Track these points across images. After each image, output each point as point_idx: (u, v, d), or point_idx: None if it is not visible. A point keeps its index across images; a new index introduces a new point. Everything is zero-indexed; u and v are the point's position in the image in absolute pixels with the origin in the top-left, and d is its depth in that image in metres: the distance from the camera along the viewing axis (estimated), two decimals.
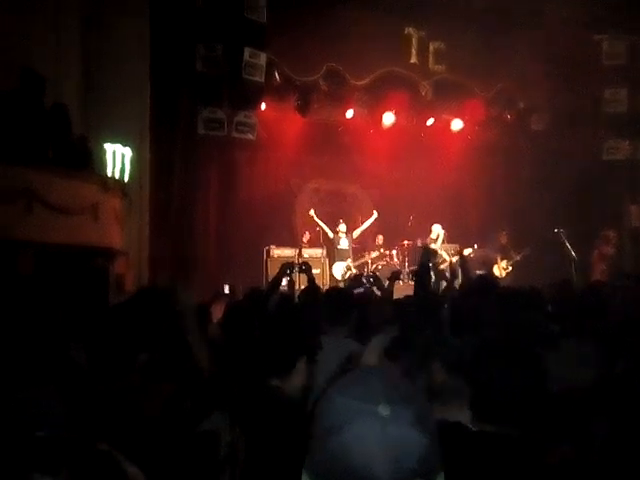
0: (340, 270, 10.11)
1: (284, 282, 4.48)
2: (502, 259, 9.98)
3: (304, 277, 4.44)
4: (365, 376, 0.87)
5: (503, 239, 10.10)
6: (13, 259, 5.12)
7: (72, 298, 5.41)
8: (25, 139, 5.16)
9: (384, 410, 0.79)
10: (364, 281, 4.49)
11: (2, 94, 5.20)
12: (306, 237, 10.35)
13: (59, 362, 2.89)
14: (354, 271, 9.85)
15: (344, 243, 10.20)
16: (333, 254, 10.10)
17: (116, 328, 2.82)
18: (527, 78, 9.88)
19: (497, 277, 9.22)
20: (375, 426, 0.78)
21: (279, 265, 8.69)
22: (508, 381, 1.49)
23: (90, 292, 5.57)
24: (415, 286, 3.71)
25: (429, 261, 3.88)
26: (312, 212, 10.12)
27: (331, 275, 10.10)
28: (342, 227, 10.17)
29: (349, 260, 10.17)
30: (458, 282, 4.97)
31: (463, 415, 1.55)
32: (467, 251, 10.08)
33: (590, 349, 2.40)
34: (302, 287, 4.64)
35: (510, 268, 9.89)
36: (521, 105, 10.74)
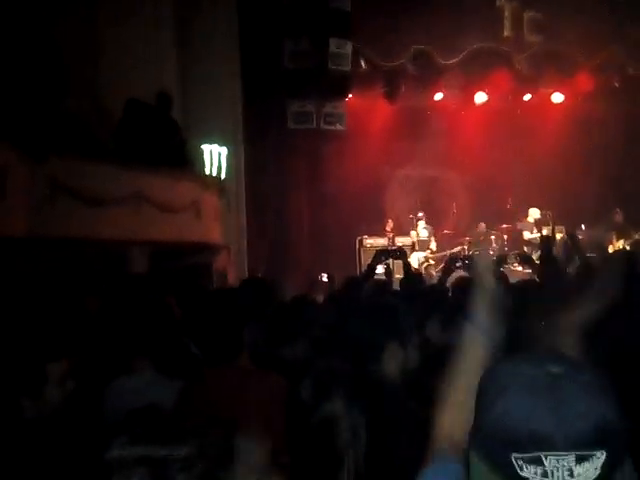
0: (416, 260, 9.88)
1: (381, 270, 4.40)
2: (618, 239, 9.22)
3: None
4: (530, 354, 0.81)
5: (618, 217, 9.33)
6: (126, 259, 5.48)
7: (181, 293, 5.69)
8: (147, 147, 5.49)
9: (554, 368, 0.72)
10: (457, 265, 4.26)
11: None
12: (389, 225, 10.19)
13: (177, 357, 3.03)
14: (432, 262, 9.60)
15: (423, 233, 9.98)
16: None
17: (222, 313, 2.90)
18: (634, 42, 9.03)
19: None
20: (546, 385, 0.71)
21: (372, 254, 8.64)
22: None
23: (197, 286, 5.83)
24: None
25: (551, 250, 3.65)
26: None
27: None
28: (421, 216, 10.02)
29: (428, 251, 9.92)
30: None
31: None
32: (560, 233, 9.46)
33: None
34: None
35: (627, 247, 9.12)
36: (630, 71, 9.83)
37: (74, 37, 5.51)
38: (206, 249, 6.72)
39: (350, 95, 9.86)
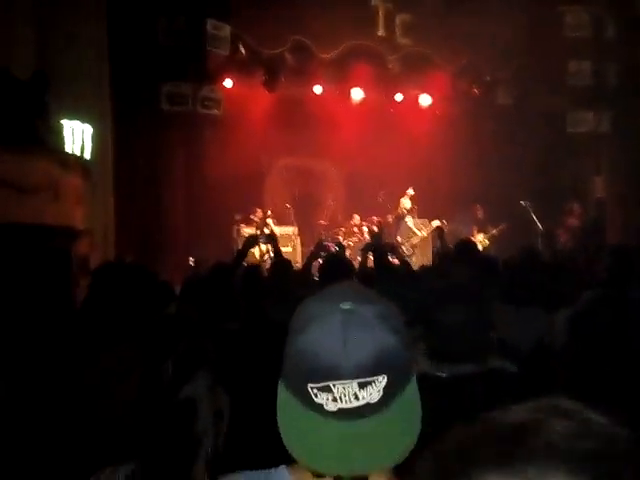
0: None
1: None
2: (479, 232, 10.08)
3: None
4: (336, 287, 0.89)
5: (479, 213, 10.19)
6: None
7: (32, 279, 5.23)
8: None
9: (346, 306, 0.80)
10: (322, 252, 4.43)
11: None
12: (258, 215, 10.14)
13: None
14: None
15: (288, 229, 10.27)
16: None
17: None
18: (493, 51, 9.89)
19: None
20: (336, 322, 0.79)
21: None
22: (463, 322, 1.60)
23: (51, 272, 5.39)
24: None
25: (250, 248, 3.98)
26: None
27: (303, 253, 10.07)
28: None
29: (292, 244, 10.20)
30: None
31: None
32: (435, 223, 10.19)
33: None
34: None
35: (487, 242, 10.00)
36: (487, 79, 10.76)
37: None
38: (65, 233, 6.23)
39: (230, 81, 9.69)
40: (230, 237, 9.86)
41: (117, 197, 8.00)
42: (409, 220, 10.25)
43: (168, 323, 2.28)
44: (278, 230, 10.04)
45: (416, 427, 0.81)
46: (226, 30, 8.38)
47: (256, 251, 9.17)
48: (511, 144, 10.42)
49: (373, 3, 9.46)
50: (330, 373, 0.77)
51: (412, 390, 0.83)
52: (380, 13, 9.48)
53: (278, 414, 0.83)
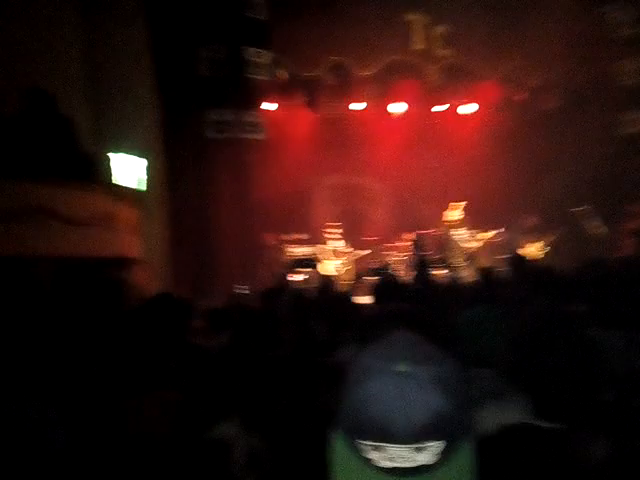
0: (332, 268, 10.03)
1: (301, 278, 4.43)
2: (533, 241, 9.79)
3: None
4: (391, 339, 0.89)
5: (531, 222, 9.91)
6: (31, 275, 5.17)
7: (92, 309, 5.44)
8: (33, 155, 5.20)
9: (402, 367, 0.80)
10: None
11: (8, 118, 5.27)
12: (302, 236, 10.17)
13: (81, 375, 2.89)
14: (349, 267, 9.75)
15: (339, 243, 10.18)
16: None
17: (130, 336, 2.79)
18: (536, 57, 9.65)
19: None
20: (392, 383, 0.79)
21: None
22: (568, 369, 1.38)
23: (109, 302, 5.59)
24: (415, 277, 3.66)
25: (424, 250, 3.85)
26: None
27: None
28: (335, 225, 10.14)
29: (344, 258, 10.12)
30: None
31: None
32: (488, 234, 9.94)
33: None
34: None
35: (547, 249, 9.73)
36: (532, 84, 10.49)
37: None
38: (120, 264, 6.46)
39: (272, 104, 9.88)
40: (278, 258, 9.95)
41: (171, 226, 8.25)
42: (456, 233, 10.05)
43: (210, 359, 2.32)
44: (332, 246, 10.08)
45: None
46: (266, 56, 8.57)
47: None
48: (561, 150, 10.07)
49: (410, 18, 9.45)
50: (384, 434, 0.77)
51: (467, 451, 0.82)
52: (416, 26, 9.46)
53: (331, 463, 0.83)
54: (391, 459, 0.77)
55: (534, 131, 10.75)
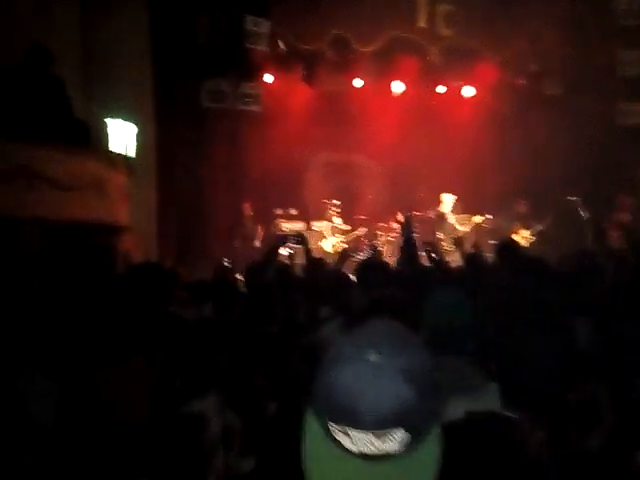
0: (329, 245, 10.09)
1: (286, 253, 4.41)
2: (523, 228, 9.76)
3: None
4: (368, 326, 0.91)
5: (522, 208, 9.85)
6: (18, 238, 5.11)
7: (78, 274, 5.41)
8: (24, 115, 5.10)
9: (373, 357, 0.83)
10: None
11: (5, 69, 5.14)
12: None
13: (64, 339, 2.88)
14: (345, 245, 9.82)
15: (337, 220, 10.19)
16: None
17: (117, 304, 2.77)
18: (539, 41, 9.54)
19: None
20: (363, 371, 0.82)
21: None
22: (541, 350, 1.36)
23: (96, 268, 5.55)
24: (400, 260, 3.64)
25: (412, 232, 3.84)
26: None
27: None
28: (335, 203, 10.19)
29: (342, 236, 10.16)
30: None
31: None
32: (478, 219, 9.94)
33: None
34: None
35: (533, 238, 9.69)
36: (534, 69, 10.38)
37: None
38: (109, 230, 6.41)
39: (270, 76, 9.72)
40: (270, 232, 9.92)
41: (159, 194, 8.17)
42: (450, 216, 10.05)
43: (196, 331, 2.30)
44: (317, 226, 10.08)
45: (432, 475, 0.83)
46: (265, 26, 8.38)
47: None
48: (558, 137, 10.03)
49: None
50: (349, 419, 0.81)
51: (433, 441, 0.84)
52: (421, 4, 9.27)
53: (303, 440, 0.87)
54: (355, 444, 0.80)
55: (531, 116, 10.69)
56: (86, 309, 3.53)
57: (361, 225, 10.34)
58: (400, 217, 10.16)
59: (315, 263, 3.72)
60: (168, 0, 7.73)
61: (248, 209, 9.62)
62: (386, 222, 10.39)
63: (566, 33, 9.18)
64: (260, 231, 9.44)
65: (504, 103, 10.65)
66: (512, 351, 1.43)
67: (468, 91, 10.95)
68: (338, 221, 10.22)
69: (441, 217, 10.11)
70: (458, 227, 10.08)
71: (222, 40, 8.25)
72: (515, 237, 9.52)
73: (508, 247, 3.98)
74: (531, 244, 9.59)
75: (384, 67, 10.03)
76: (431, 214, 10.31)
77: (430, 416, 0.84)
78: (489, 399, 1.45)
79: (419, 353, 0.86)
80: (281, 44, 9.09)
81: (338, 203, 10.23)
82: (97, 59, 7.29)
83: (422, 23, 9.36)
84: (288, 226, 10.11)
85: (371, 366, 0.82)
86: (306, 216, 10.34)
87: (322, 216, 10.32)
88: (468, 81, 10.68)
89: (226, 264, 6.95)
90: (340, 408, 0.81)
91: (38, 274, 4.80)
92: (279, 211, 10.29)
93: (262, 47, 8.48)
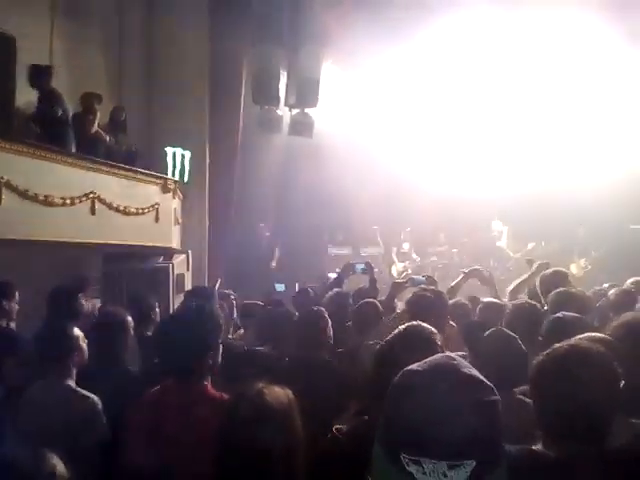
0: (395, 270, 10.04)
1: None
2: (579, 257, 9.34)
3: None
4: (436, 361, 0.92)
5: (579, 234, 9.46)
6: (80, 260, 5.34)
7: (136, 296, 5.58)
8: (89, 145, 5.36)
9: (443, 387, 0.85)
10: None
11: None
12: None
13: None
14: (409, 272, 9.70)
15: (405, 246, 10.11)
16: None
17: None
18: None
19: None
20: (436, 402, 0.83)
21: (336, 263, 8.54)
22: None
23: (153, 290, 5.71)
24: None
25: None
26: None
27: (389, 274, 9.98)
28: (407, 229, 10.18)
29: (407, 262, 10.06)
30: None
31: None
32: (531, 245, 9.64)
33: None
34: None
35: (589, 267, 9.25)
36: None
37: (28, 32, 5.34)
38: (164, 253, 6.61)
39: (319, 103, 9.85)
40: (318, 257, 9.98)
41: (211, 219, 8.36)
42: (501, 242, 9.81)
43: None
44: (367, 252, 10.05)
45: None
46: (319, 55, 8.55)
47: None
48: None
49: None
50: (422, 450, 0.82)
51: (501, 474, 0.86)
52: None
53: (373, 472, 0.89)
54: (428, 474, 0.82)
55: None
56: (142, 330, 3.63)
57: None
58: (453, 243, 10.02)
59: (373, 290, 3.71)
60: (226, 31, 7.97)
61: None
62: (435, 248, 10.26)
63: None
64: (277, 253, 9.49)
65: None
66: None
67: None
68: (406, 246, 10.14)
69: (492, 244, 9.89)
70: (510, 254, 9.83)
71: (275, 69, 8.43)
72: (571, 266, 9.14)
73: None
74: (586, 273, 9.20)
75: None
76: (482, 241, 10.11)
77: (500, 448, 0.86)
78: None
79: (488, 387, 0.88)
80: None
81: (407, 229, 10.18)
82: (157, 87, 7.64)
83: None
84: (336, 252, 10.14)
85: (444, 397, 0.84)
86: (354, 241, 10.34)
87: (370, 241, 10.30)
88: None
89: (277, 288, 7.03)
90: (414, 439, 0.83)
91: (99, 295, 4.98)
92: (326, 236, 10.34)
93: (316, 76, 8.60)
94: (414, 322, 1.68)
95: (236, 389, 1.46)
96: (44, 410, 2.10)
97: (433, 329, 1.63)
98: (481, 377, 0.89)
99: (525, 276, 4.28)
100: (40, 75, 4.94)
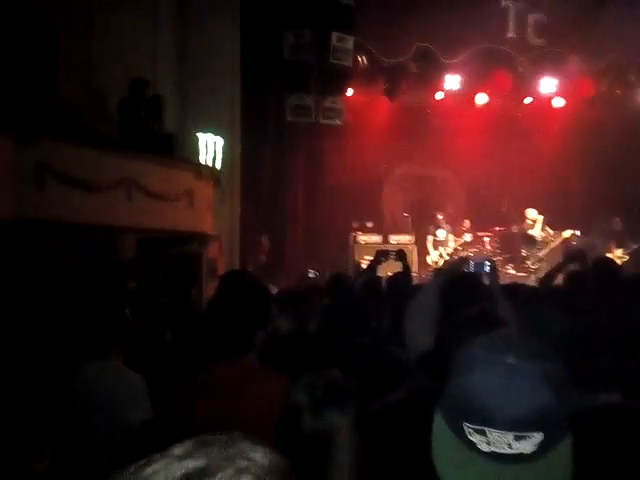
0: (433, 257, 9.93)
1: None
2: (617, 247, 9.13)
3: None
4: (501, 333, 0.95)
5: (617, 225, 9.22)
6: (116, 244, 5.45)
7: (170, 281, 5.68)
8: (127, 130, 5.44)
9: (511, 359, 0.85)
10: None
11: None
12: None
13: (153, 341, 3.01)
14: (446, 258, 9.58)
15: (441, 233, 9.96)
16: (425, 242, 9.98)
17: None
18: (634, 53, 8.99)
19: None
20: (500, 374, 0.84)
21: (365, 251, 8.55)
22: None
23: (187, 276, 5.81)
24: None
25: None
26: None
27: (420, 262, 9.88)
28: (440, 216, 10.00)
29: (443, 249, 9.92)
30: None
31: None
32: (567, 233, 9.43)
33: None
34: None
35: (627, 257, 9.04)
36: (632, 79, 9.79)
37: (67, 19, 5.44)
38: (197, 239, 6.69)
39: (351, 90, 9.80)
40: (347, 244, 9.96)
41: (243, 205, 8.43)
42: (535, 231, 9.61)
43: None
44: (396, 239, 9.97)
45: None
46: (350, 42, 8.48)
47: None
48: None
49: (503, 4, 9.01)
50: (488, 419, 0.82)
51: (566, 447, 0.85)
52: (510, 13, 9.01)
53: (433, 443, 0.88)
54: (490, 443, 0.82)
55: (626, 130, 10.06)
56: (179, 313, 3.69)
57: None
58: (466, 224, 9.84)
59: (408, 277, 3.68)
60: (257, 18, 8.00)
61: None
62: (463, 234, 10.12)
63: None
64: (266, 241, 9.28)
65: (598, 115, 10.09)
66: None
67: (557, 102, 10.49)
68: (441, 233, 9.99)
69: (525, 233, 9.70)
70: (543, 243, 9.63)
71: (307, 56, 8.43)
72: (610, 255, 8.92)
73: (606, 266, 3.72)
74: (624, 264, 8.96)
75: (469, 79, 9.83)
76: (515, 229, 9.93)
77: (565, 421, 0.85)
78: None
79: (553, 358, 0.88)
80: (364, 59, 9.15)
81: (443, 214, 10.03)
82: (190, 76, 7.69)
83: (511, 33, 9.10)
84: (365, 238, 10.10)
85: (511, 368, 0.84)
86: (383, 229, 10.28)
87: (400, 229, 10.22)
88: (558, 92, 10.24)
89: (311, 275, 7.05)
90: (480, 408, 0.83)
91: (134, 278, 5.08)
92: (356, 223, 10.30)
93: (346, 62, 8.57)
94: None
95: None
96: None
97: None
98: (548, 349, 0.90)
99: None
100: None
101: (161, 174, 5.67)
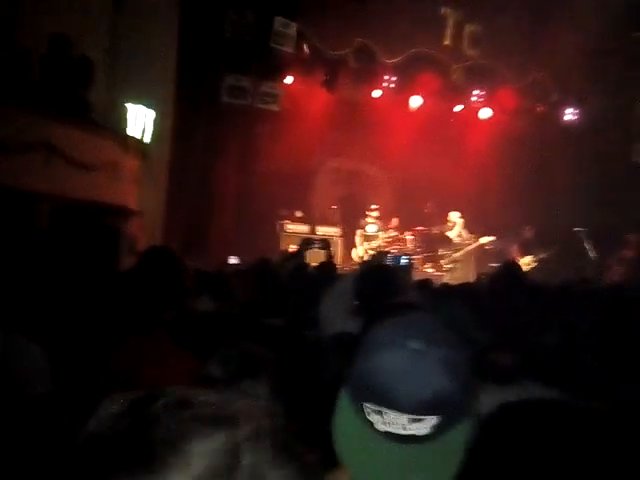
0: (360, 252, 10.12)
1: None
2: (526, 254, 9.71)
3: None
4: (409, 318, 0.97)
5: (528, 233, 9.83)
6: (30, 211, 5.14)
7: (83, 254, 5.42)
8: (47, 92, 5.13)
9: (415, 344, 0.87)
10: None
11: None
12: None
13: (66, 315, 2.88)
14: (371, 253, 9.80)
15: (371, 228, 10.14)
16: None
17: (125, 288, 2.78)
18: (563, 70, 9.58)
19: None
20: (402, 357, 0.86)
21: (291, 240, 8.60)
22: None
23: (101, 250, 5.57)
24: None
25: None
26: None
27: (345, 256, 10.05)
28: (374, 213, 10.15)
29: (369, 243, 10.12)
30: None
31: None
32: (484, 239, 9.94)
33: None
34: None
35: (534, 264, 9.63)
36: (554, 97, 10.44)
37: None
38: (118, 213, 6.44)
39: (290, 78, 9.75)
40: (274, 232, 9.94)
41: (170, 182, 8.19)
42: (452, 233, 10.06)
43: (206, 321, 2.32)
44: (323, 230, 10.06)
45: (456, 464, 0.86)
46: (293, 28, 8.44)
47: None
48: (571, 168, 10.06)
49: (443, 11, 9.31)
50: (386, 400, 0.84)
51: (461, 432, 0.87)
52: (449, 22, 9.33)
53: (335, 419, 0.91)
54: (386, 423, 0.84)
55: (546, 144, 10.73)
56: (91, 287, 3.54)
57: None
58: (393, 222, 10.14)
59: (330, 266, 3.75)
60: None
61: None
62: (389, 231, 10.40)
63: (589, 65, 9.22)
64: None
65: (521, 128, 10.69)
66: None
67: (485, 112, 11.00)
68: (372, 228, 10.14)
69: (444, 235, 10.12)
70: (460, 245, 10.09)
71: (248, 37, 8.30)
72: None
73: (512, 269, 3.97)
74: (531, 270, 9.57)
75: (405, 80, 10.08)
76: (435, 230, 10.33)
77: (465, 406, 0.87)
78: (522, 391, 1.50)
79: (457, 345, 0.90)
80: (305, 47, 9.13)
81: (376, 208, 10.17)
82: (124, 44, 7.34)
83: (448, 41, 9.41)
84: (292, 227, 10.13)
85: (413, 353, 0.86)
86: (311, 220, 10.35)
87: (327, 221, 10.32)
88: (487, 102, 10.73)
89: (232, 261, 6.95)
90: (379, 389, 0.85)
91: (44, 248, 4.82)
92: (284, 212, 10.29)
93: (287, 48, 8.52)
94: None
95: None
96: None
97: None
98: (453, 336, 0.92)
99: None
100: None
101: (83, 142, 5.39)
